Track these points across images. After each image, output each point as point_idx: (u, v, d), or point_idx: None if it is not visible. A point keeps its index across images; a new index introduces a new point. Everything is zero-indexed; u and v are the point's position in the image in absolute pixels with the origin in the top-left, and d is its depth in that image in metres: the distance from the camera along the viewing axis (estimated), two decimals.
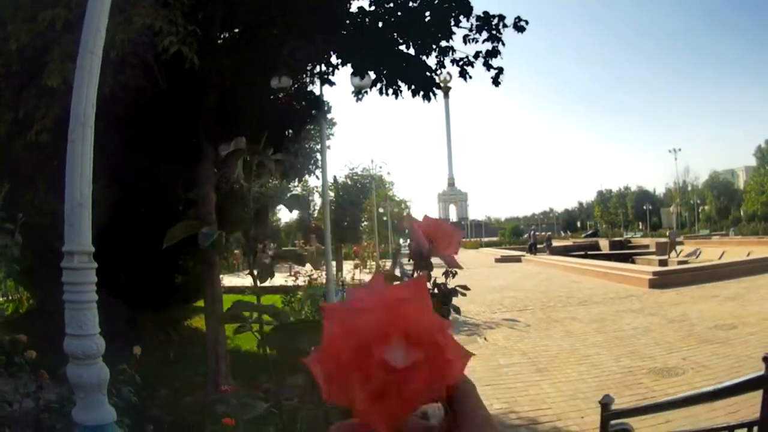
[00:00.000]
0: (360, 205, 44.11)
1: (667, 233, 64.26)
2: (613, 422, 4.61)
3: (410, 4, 9.94)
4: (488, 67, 10.56)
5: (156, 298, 13.18)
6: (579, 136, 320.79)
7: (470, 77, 10.73)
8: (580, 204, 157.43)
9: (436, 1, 9.92)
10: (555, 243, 70.82)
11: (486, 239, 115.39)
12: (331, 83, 11.59)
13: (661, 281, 24.70)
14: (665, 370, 11.31)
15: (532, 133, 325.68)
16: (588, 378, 11.25)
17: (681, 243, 49.20)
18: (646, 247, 57.77)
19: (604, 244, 69.01)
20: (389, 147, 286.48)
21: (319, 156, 22.84)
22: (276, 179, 17.93)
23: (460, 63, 10.56)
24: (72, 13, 8.03)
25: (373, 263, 37.76)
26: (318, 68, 11.28)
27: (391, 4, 9.97)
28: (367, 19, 10.24)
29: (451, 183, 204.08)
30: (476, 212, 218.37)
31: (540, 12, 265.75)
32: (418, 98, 10.63)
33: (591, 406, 9.18)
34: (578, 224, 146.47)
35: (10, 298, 16.48)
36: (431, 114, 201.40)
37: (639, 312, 18.51)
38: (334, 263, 21.65)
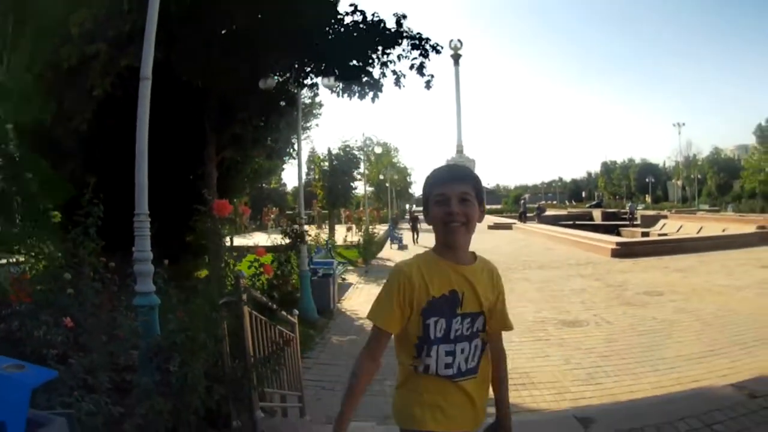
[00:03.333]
0: (350, 173, 47.12)
1: (627, 205, 65.91)
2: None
3: (355, 34, 12.44)
4: (421, 74, 13.18)
5: (171, 252, 15.60)
6: (589, 107, 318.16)
7: (403, 86, 13.38)
8: (588, 174, 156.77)
9: (378, 38, 12.53)
10: (550, 212, 72.82)
11: (490, 207, 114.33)
12: (304, 85, 14.25)
13: (623, 251, 26.58)
14: (572, 322, 13.13)
15: (543, 101, 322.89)
16: None
17: (665, 216, 50.83)
18: (637, 219, 58.24)
19: (597, 214, 69.57)
20: (397, 115, 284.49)
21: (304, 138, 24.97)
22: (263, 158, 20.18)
23: (396, 74, 13.18)
24: (108, 44, 10.77)
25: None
26: (293, 74, 13.78)
27: (343, 32, 12.46)
28: (330, 37, 12.76)
29: (460, 150, 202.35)
30: (487, 180, 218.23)
31: None
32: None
33: None
34: (584, 194, 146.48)
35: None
36: (442, 80, 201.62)
37: (587, 277, 20.29)
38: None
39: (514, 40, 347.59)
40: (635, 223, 54.76)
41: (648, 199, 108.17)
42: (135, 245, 6.19)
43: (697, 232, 37.26)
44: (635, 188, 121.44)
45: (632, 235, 44.08)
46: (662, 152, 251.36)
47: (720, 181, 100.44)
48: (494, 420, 3.02)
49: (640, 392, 8.46)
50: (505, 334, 2.98)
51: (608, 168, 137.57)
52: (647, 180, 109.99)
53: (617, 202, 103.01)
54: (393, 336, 2.83)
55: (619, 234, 43.90)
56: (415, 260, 2.84)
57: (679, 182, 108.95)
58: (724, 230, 35.51)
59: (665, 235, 39.97)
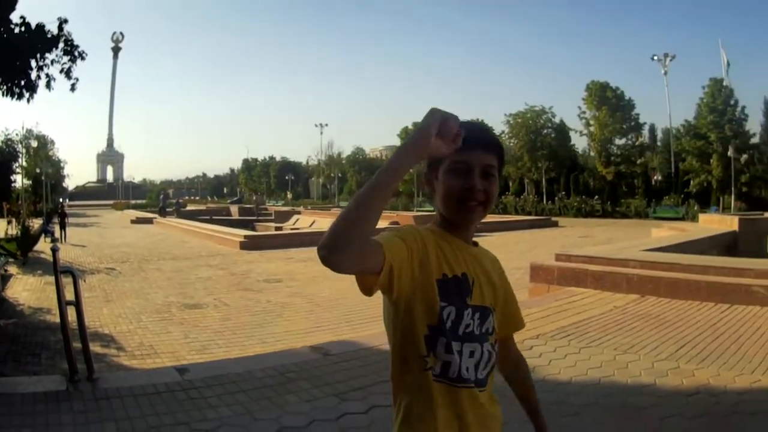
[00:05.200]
0: (10, 165, 46.37)
1: (254, 198, 69.35)
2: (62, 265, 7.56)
3: (20, 40, 13.53)
4: (69, 78, 14.48)
5: None
6: (235, 105, 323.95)
7: (53, 88, 14.47)
8: (231, 171, 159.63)
9: (39, 44, 13.69)
10: (190, 207, 74.67)
11: (135, 201, 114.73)
12: None
13: (251, 244, 28.70)
14: (193, 305, 14.45)
15: (192, 98, 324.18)
16: (136, 306, 14.34)
17: (299, 212, 53.24)
18: (268, 211, 61.69)
19: (234, 210, 72.01)
20: (57, 108, 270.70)
21: None
22: None
23: (48, 77, 14.35)
24: None
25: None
26: None
27: (12, 38, 13.44)
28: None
29: (110, 144, 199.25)
30: (137, 174, 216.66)
31: None
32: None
33: (132, 322, 12.59)
34: (225, 190, 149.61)
35: None
36: (99, 74, 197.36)
37: (214, 267, 21.93)
38: None
39: (169, 37, 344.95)
40: (261, 214, 58.69)
41: (289, 195, 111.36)
42: None
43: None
44: (275, 185, 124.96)
45: (266, 229, 46.23)
46: (308, 152, 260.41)
47: (361, 180, 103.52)
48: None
49: None
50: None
51: (249, 165, 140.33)
52: (287, 177, 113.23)
53: (258, 198, 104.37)
54: (391, 333, 2.10)
55: (254, 228, 45.75)
56: (425, 227, 2.14)
57: (321, 180, 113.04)
58: None
59: (297, 229, 42.43)
